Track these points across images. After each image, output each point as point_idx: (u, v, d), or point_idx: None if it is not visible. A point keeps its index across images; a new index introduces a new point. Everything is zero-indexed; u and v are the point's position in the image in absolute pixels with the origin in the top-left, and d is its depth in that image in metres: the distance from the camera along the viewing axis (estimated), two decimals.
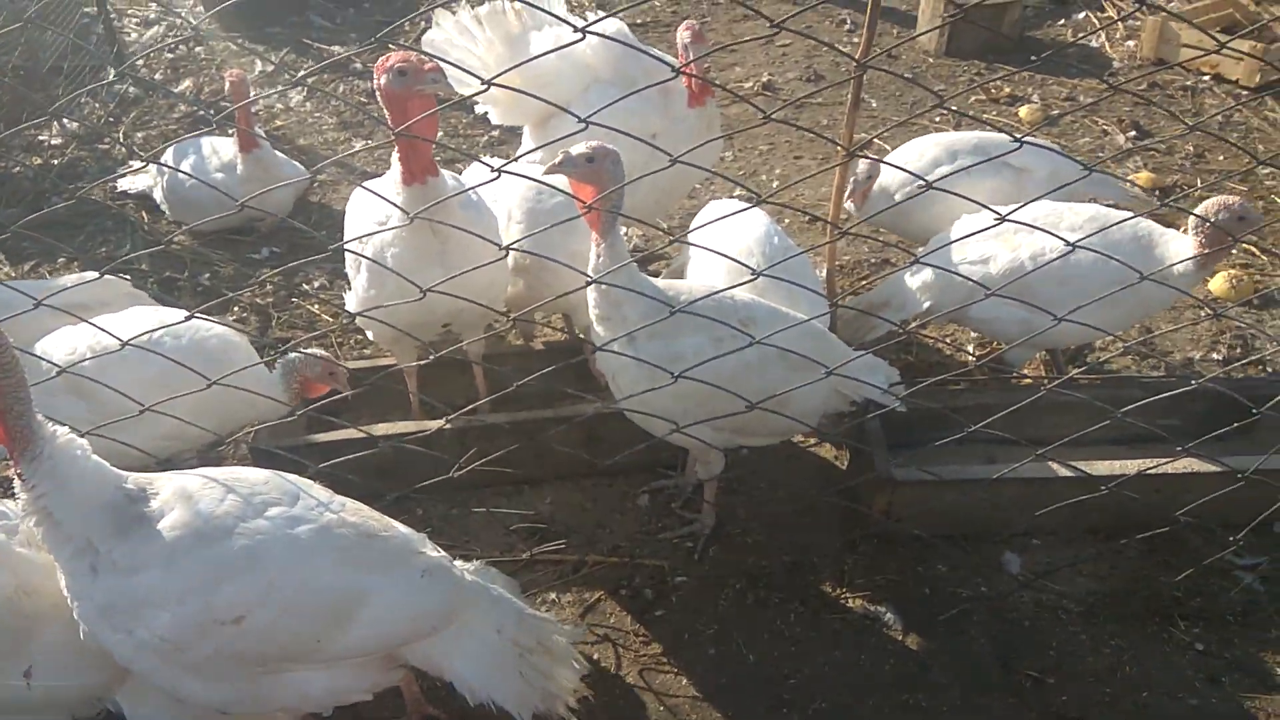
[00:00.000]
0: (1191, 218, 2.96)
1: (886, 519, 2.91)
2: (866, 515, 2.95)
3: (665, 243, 4.49)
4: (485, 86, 2.08)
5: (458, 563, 2.29)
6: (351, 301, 3.04)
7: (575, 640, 2.40)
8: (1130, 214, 3.15)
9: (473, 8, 3.67)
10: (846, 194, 3.46)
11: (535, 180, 3.02)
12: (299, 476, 2.20)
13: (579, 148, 2.48)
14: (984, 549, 2.95)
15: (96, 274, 2.78)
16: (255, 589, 1.94)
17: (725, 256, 2.57)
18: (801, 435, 3.28)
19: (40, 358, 2.71)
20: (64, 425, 1.97)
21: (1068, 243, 2.34)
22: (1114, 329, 3.22)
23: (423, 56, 2.61)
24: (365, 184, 3.10)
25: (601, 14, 3.84)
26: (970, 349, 3.79)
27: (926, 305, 3.34)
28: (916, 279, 3.32)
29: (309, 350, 2.97)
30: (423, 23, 6.70)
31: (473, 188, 2.77)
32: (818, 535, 3.04)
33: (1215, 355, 3.71)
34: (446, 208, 2.64)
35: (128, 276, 3.63)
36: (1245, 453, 2.86)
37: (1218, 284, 3.99)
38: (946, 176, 2.42)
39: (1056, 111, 5.36)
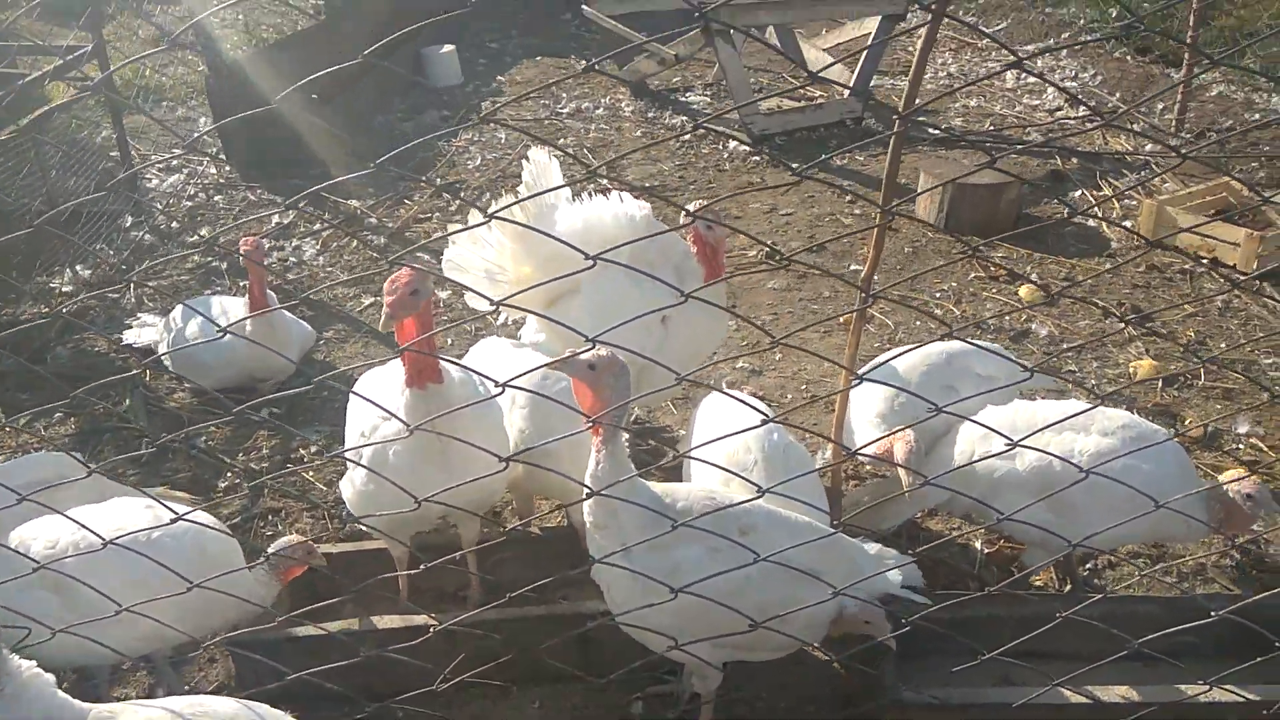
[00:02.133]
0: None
1: None
2: None
3: (668, 419, 4.46)
4: (494, 308, 2.11)
5: None
6: (348, 490, 2.98)
7: None
8: (1162, 430, 3.18)
9: (483, 214, 3.72)
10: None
11: (539, 394, 3.01)
12: (267, 707, 2.09)
13: (585, 355, 2.47)
14: None
15: (79, 463, 2.72)
16: None
17: (725, 470, 2.55)
18: None
19: (17, 551, 2.64)
20: (29, 663, 1.88)
21: (1081, 468, 2.32)
22: (1137, 540, 3.18)
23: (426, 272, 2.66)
24: (371, 373, 3.11)
25: (623, 198, 3.86)
26: (978, 544, 3.69)
27: (945, 498, 3.26)
28: (934, 470, 3.26)
29: (284, 541, 2.94)
30: (438, 179, 6.91)
31: (483, 400, 2.74)
32: None
33: (1228, 561, 3.61)
34: (451, 415, 2.62)
35: (86, 463, 3.53)
36: (1268, 674, 2.74)
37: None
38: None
39: (1055, 291, 5.43)
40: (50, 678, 1.90)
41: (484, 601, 3.28)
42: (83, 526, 2.41)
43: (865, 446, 3.19)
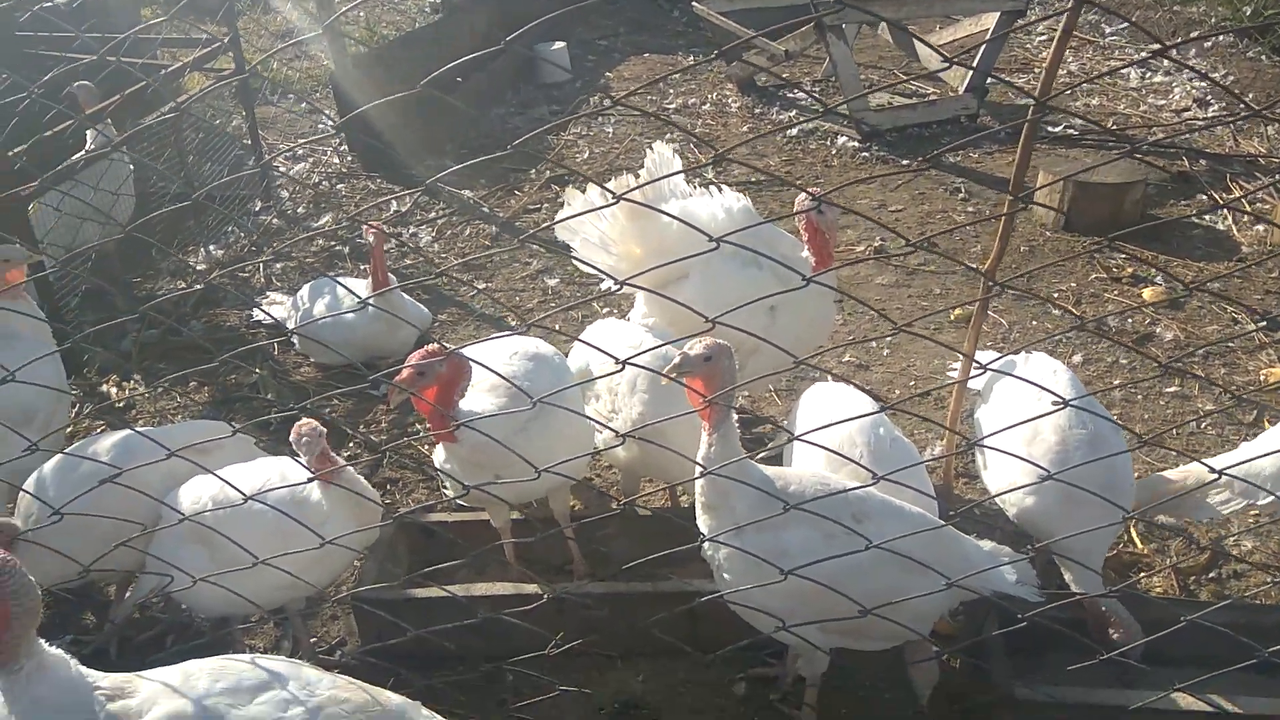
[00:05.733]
0: None
1: None
2: None
3: (771, 409, 4.47)
4: (619, 287, 2.16)
5: None
6: (439, 459, 3.10)
7: None
8: None
9: (601, 185, 3.81)
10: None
11: (659, 373, 3.06)
12: (284, 658, 2.20)
13: (696, 348, 2.52)
14: None
15: (229, 427, 2.89)
16: None
17: (833, 451, 2.54)
18: None
19: (168, 505, 2.84)
20: (52, 647, 1.99)
21: None
22: None
23: None
24: (472, 349, 3.20)
25: (722, 190, 3.92)
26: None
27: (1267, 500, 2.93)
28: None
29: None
30: (547, 171, 7.05)
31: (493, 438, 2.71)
32: None
33: None
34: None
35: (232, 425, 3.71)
36: None
37: None
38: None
39: (1181, 296, 5.21)
40: (68, 659, 1.99)
41: (590, 575, 3.35)
42: (226, 483, 2.57)
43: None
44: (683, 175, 4.00)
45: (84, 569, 2.60)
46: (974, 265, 5.54)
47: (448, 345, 2.83)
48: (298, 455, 2.83)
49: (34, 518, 2.94)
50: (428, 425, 2.94)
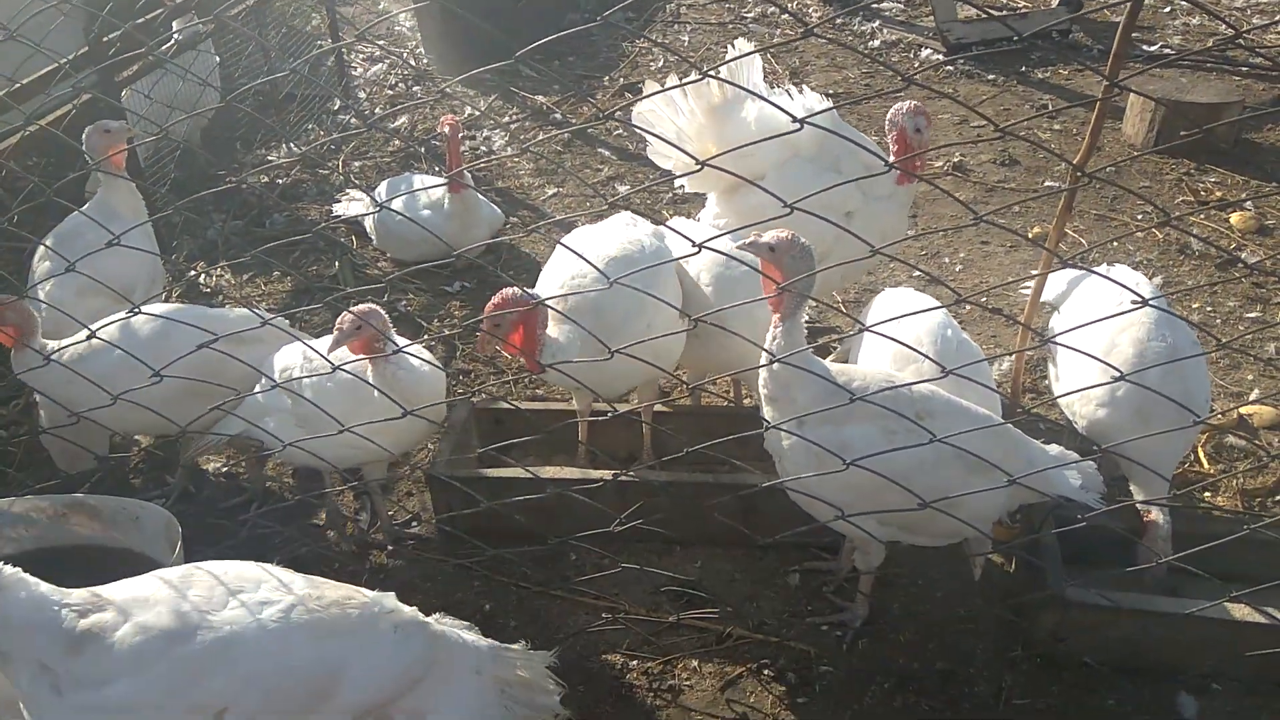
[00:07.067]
0: None
1: (1053, 640, 2.77)
2: (1030, 632, 2.82)
3: (838, 320, 4.47)
4: (700, 167, 2.18)
5: (431, 618, 2.26)
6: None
7: (547, 664, 2.36)
8: None
9: (680, 78, 3.80)
10: None
11: (728, 255, 3.08)
12: (254, 563, 2.15)
13: (766, 236, 2.53)
14: (1158, 688, 2.75)
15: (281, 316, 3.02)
16: (234, 680, 1.92)
17: (903, 344, 2.55)
18: None
19: (259, 371, 2.99)
20: (10, 566, 1.93)
21: None
22: None
23: None
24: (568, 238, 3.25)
25: (803, 90, 3.88)
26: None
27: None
28: None
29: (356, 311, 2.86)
30: (621, 78, 6.99)
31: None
32: (976, 644, 2.92)
33: None
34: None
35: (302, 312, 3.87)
36: None
37: None
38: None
39: (1272, 221, 5.03)
40: (27, 576, 1.93)
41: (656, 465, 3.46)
42: (312, 349, 2.71)
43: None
44: (762, 76, 3.95)
45: (183, 429, 2.77)
46: (1054, 184, 5.41)
47: (519, 291, 2.83)
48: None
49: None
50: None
